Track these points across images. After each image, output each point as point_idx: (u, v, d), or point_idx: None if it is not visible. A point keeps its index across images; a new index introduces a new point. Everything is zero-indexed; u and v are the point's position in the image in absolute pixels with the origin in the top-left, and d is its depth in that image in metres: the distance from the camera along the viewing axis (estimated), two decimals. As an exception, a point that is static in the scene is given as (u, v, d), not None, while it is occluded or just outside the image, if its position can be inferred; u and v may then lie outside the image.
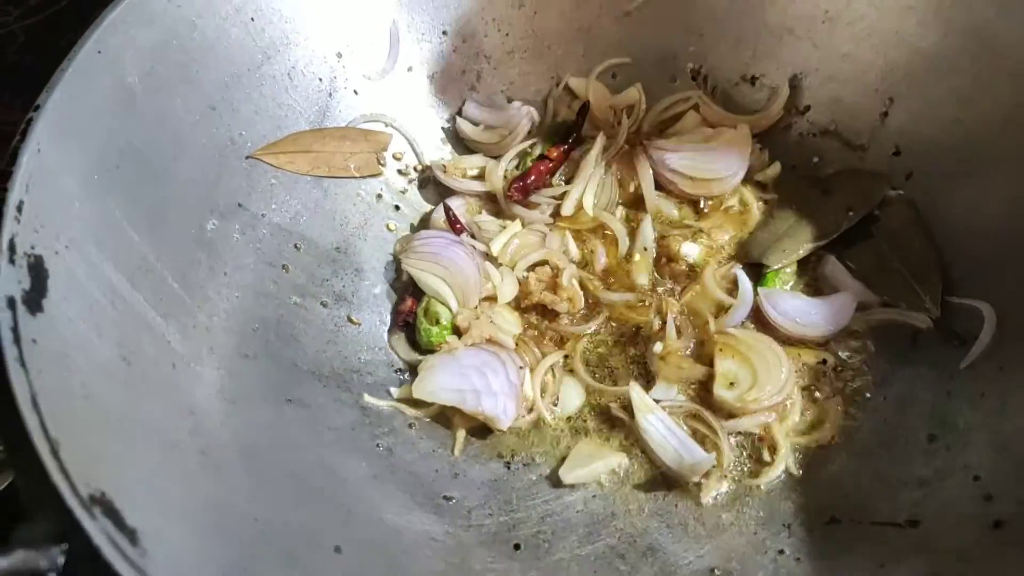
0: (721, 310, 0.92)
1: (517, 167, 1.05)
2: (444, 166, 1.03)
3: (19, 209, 0.61)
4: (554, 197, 1.01)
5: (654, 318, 0.92)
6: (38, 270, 0.61)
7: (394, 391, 0.89)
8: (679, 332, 0.90)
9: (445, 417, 0.88)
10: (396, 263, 0.98)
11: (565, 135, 1.05)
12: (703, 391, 0.87)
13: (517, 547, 0.76)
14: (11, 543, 0.48)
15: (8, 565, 0.46)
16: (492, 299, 0.94)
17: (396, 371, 0.92)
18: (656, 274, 0.97)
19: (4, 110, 0.96)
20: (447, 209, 0.99)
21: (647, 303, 0.94)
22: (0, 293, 0.57)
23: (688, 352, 0.90)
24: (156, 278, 0.73)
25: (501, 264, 0.96)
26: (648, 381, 0.88)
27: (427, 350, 0.92)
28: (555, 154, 1.02)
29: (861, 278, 0.90)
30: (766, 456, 0.82)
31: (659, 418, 0.83)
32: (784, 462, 0.81)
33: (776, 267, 0.93)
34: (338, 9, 0.95)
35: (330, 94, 0.96)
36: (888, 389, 0.84)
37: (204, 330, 0.76)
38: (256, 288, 0.84)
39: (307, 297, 0.89)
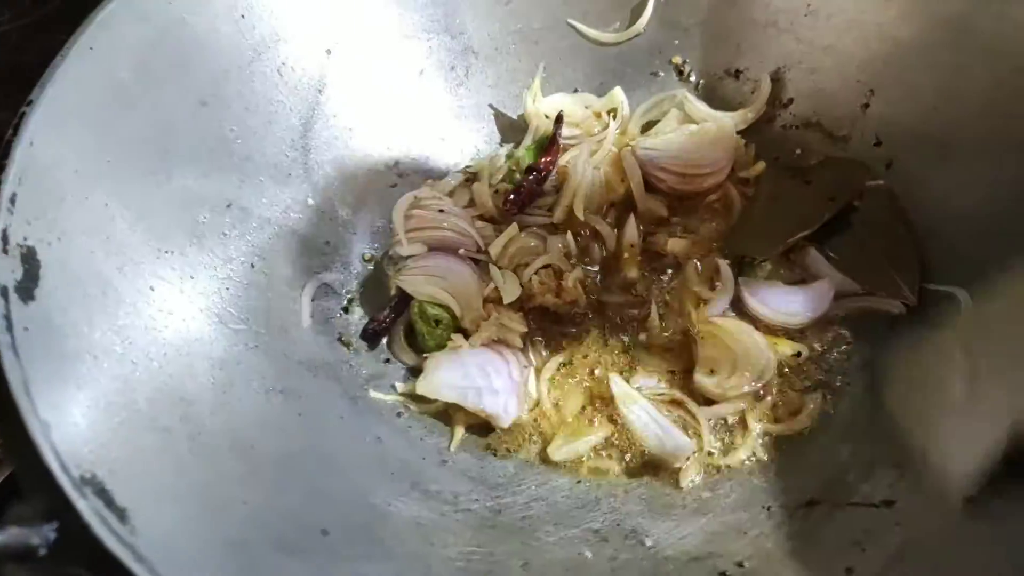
0: (703, 301, 0.93)
1: (504, 180, 1.05)
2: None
3: (12, 201, 0.63)
4: (547, 209, 1.02)
5: (641, 310, 0.94)
6: (30, 260, 0.63)
7: (399, 386, 0.91)
8: (662, 322, 0.91)
9: (447, 415, 0.90)
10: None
11: (549, 145, 1.06)
12: (685, 378, 0.88)
13: (503, 531, 0.78)
14: (3, 520, 0.50)
15: (0, 541, 0.48)
16: (494, 300, 0.95)
17: (385, 361, 0.93)
18: (643, 270, 0.98)
19: (-1, 109, 0.98)
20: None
21: (638, 296, 0.96)
22: (-6, 282, 0.59)
23: (670, 336, 0.91)
24: (147, 269, 0.75)
25: (502, 267, 0.97)
26: (633, 370, 0.90)
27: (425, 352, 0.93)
28: (542, 164, 1.03)
29: (841, 268, 0.92)
30: (739, 440, 0.84)
31: (642, 407, 0.85)
32: (752, 445, 0.83)
33: (761, 259, 0.95)
34: (327, 7, 0.97)
35: (320, 91, 0.98)
36: (865, 375, 0.86)
37: (195, 321, 0.78)
38: (247, 280, 0.85)
39: (297, 290, 0.90)
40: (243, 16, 0.89)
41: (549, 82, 1.10)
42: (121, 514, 0.53)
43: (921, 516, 0.70)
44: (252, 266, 0.87)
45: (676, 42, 1.07)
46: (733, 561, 0.72)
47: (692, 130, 1.03)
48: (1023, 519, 0.63)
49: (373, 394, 0.88)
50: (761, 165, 1.03)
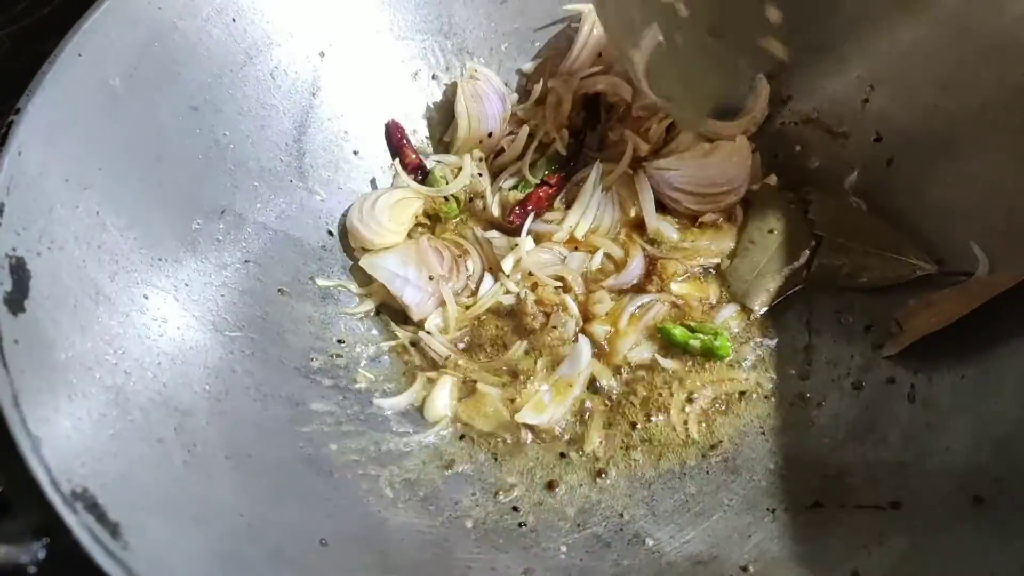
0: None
1: (516, 187, 1.04)
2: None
3: (0, 212, 0.62)
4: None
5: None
6: (20, 272, 0.62)
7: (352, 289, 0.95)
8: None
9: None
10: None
11: (565, 161, 1.06)
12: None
13: (503, 537, 0.77)
14: (-8, 539, 0.49)
15: (-12, 559, 0.47)
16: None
17: (379, 359, 0.92)
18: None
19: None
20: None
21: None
22: (-19, 295, 0.58)
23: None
24: (140, 278, 0.74)
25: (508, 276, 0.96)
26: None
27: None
28: (555, 179, 1.03)
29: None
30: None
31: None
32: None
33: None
34: (319, 9, 0.96)
35: (313, 94, 0.97)
36: (871, 375, 0.85)
37: (190, 329, 0.77)
38: (241, 287, 0.84)
39: (293, 295, 0.89)
40: (234, 20, 0.88)
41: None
42: (113, 529, 0.52)
43: (928, 516, 0.69)
44: (247, 272, 0.86)
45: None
46: (738, 565, 0.71)
47: (706, 148, 1.01)
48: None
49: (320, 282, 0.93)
50: (773, 179, 1.01)
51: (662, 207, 1.00)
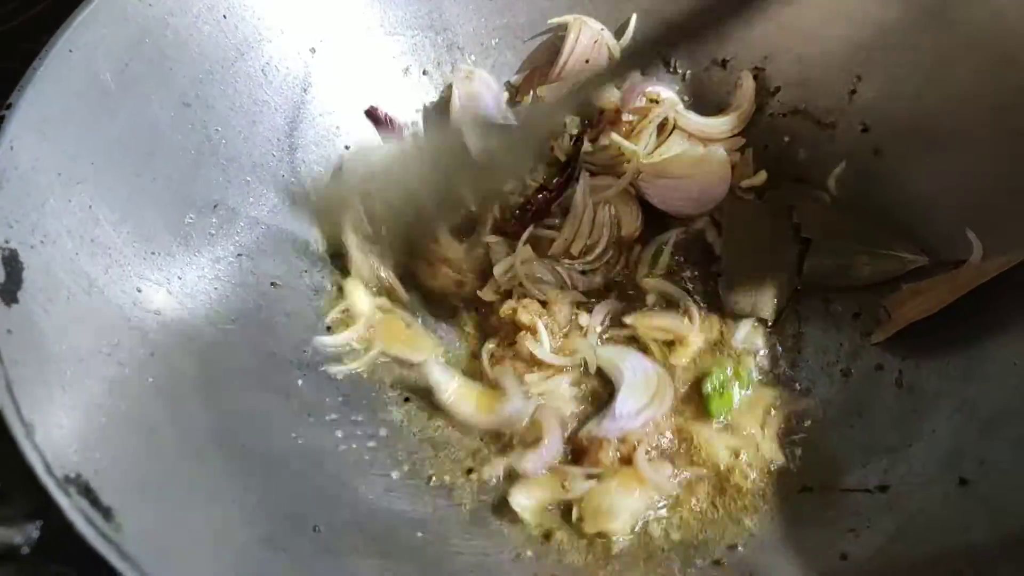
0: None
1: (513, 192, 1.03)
2: None
3: (-8, 205, 0.63)
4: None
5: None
6: (13, 263, 0.63)
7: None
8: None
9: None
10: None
11: (564, 165, 1.05)
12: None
13: (496, 524, 0.78)
14: (-14, 520, 0.50)
15: (-17, 541, 0.48)
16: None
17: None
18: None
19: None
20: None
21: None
22: (-26, 286, 0.58)
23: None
24: (133, 271, 0.74)
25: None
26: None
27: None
28: (554, 184, 1.02)
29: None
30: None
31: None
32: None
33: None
34: (310, 5, 0.96)
35: (304, 90, 0.98)
36: (859, 362, 0.86)
37: (182, 321, 0.77)
38: (234, 280, 0.85)
39: (286, 288, 0.90)
40: (225, 16, 0.88)
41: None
42: (106, 512, 0.53)
43: (915, 498, 0.70)
44: (240, 266, 0.86)
45: (663, 34, 1.07)
46: (726, 546, 0.72)
47: (700, 152, 1.01)
48: (1014, 499, 0.63)
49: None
50: (763, 175, 1.01)
51: (657, 212, 1.00)
